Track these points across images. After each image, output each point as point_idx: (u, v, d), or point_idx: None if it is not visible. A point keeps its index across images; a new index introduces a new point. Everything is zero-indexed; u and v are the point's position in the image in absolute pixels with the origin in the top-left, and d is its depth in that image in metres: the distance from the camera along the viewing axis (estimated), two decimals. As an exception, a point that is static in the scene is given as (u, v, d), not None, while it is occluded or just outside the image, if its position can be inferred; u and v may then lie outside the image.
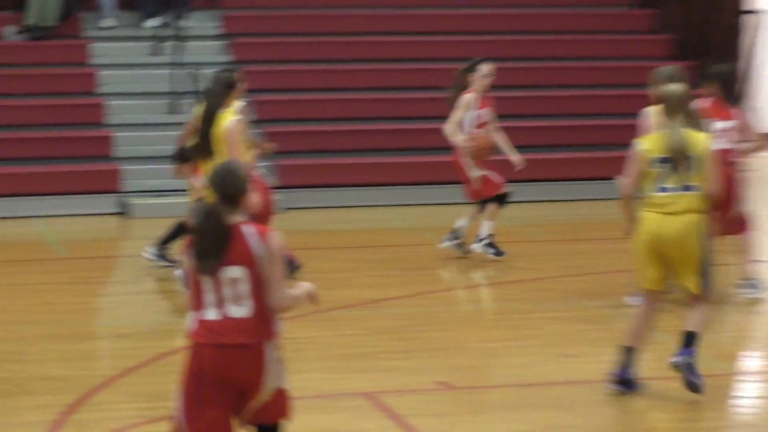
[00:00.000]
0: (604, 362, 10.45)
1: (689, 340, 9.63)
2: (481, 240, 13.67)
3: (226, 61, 18.28)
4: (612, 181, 17.20)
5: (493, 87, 14.81)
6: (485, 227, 13.66)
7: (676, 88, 9.66)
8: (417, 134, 17.70)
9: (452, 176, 14.04)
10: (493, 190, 13.55)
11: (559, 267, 13.96)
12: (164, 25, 18.52)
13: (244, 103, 12.06)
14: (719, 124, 11.63)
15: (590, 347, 11.07)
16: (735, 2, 19.28)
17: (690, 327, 9.65)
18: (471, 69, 13.47)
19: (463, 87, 13.42)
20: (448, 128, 13.39)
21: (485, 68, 13.42)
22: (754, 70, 19.56)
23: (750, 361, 11.29)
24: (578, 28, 19.80)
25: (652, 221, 9.53)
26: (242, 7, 19.32)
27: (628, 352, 9.79)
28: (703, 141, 9.50)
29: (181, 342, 8.90)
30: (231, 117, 11.36)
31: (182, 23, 18.42)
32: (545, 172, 17.50)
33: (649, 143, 9.65)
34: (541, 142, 17.94)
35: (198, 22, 18.96)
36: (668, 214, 9.49)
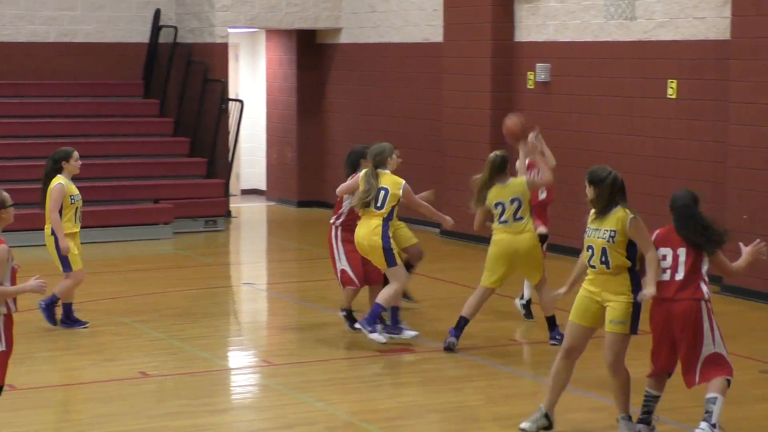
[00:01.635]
0: (138, 364, 10.70)
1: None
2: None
3: None
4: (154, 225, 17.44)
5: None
6: None
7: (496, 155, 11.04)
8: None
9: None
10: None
11: (110, 292, 13.74)
12: None
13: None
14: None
15: (124, 353, 11.11)
16: (221, 92, 19.67)
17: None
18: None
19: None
20: None
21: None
22: (236, 143, 20.08)
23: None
24: (106, 112, 19.78)
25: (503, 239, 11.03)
26: None
27: (464, 321, 11.14)
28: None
29: None
30: (57, 181, 11.72)
31: None
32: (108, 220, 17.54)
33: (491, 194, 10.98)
34: (99, 198, 17.92)
35: None
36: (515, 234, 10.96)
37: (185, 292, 13.95)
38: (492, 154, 11.10)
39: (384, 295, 11.15)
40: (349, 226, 11.51)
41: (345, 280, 11.61)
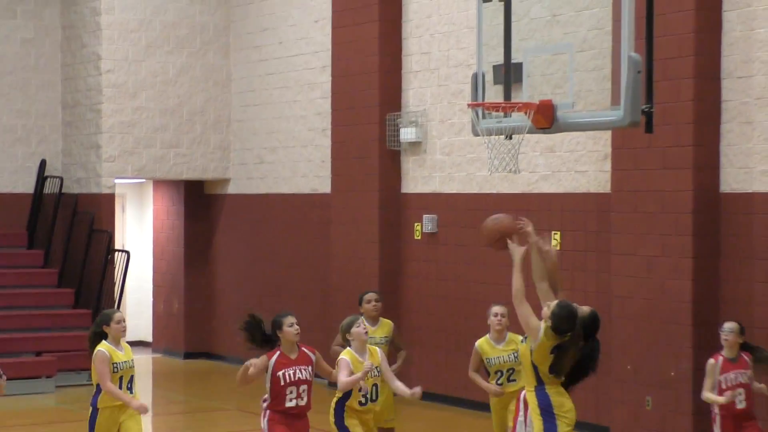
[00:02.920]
0: None
1: None
2: None
3: None
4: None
5: None
6: None
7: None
8: None
9: None
10: None
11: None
12: None
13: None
14: None
15: None
16: (108, 243, 19.57)
17: None
18: None
19: None
20: None
21: None
22: (122, 294, 19.90)
23: None
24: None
25: None
26: None
27: None
28: None
29: None
30: (98, 348, 10.56)
31: None
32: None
33: None
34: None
35: None
36: None
37: (68, 448, 13.69)
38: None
39: None
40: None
41: None
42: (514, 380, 10.86)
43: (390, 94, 17.43)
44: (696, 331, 13.20)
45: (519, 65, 11.06)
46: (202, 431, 14.70)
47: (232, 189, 20.79)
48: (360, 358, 10.28)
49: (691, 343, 13.21)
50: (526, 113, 10.43)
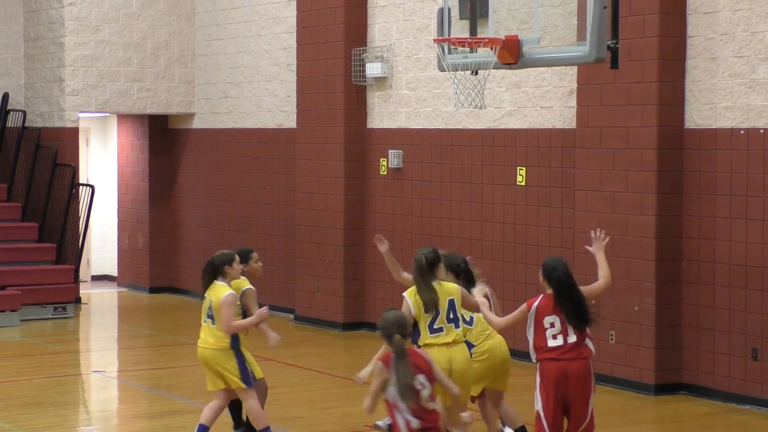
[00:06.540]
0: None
1: None
2: None
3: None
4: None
5: None
6: None
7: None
8: None
9: None
10: None
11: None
12: None
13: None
14: None
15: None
16: (72, 177, 19.48)
17: None
18: None
19: None
20: None
21: None
22: (86, 229, 19.84)
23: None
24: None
25: None
26: None
27: None
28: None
29: None
30: (227, 290, 9.94)
31: None
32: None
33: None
34: None
35: None
36: None
37: (33, 381, 13.71)
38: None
39: None
40: None
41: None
42: None
43: (356, 29, 17.37)
44: (659, 266, 13.32)
45: (485, 0, 11.06)
46: (167, 365, 14.75)
47: (196, 124, 20.71)
48: None
49: (655, 278, 13.33)
50: (491, 49, 10.45)
